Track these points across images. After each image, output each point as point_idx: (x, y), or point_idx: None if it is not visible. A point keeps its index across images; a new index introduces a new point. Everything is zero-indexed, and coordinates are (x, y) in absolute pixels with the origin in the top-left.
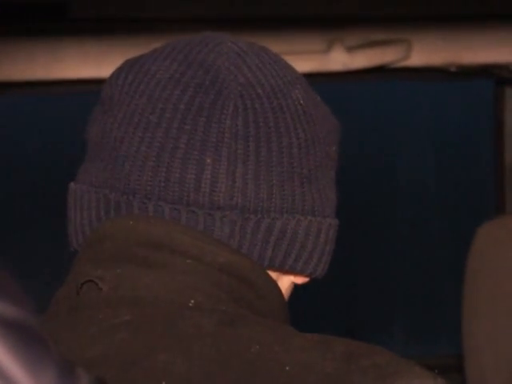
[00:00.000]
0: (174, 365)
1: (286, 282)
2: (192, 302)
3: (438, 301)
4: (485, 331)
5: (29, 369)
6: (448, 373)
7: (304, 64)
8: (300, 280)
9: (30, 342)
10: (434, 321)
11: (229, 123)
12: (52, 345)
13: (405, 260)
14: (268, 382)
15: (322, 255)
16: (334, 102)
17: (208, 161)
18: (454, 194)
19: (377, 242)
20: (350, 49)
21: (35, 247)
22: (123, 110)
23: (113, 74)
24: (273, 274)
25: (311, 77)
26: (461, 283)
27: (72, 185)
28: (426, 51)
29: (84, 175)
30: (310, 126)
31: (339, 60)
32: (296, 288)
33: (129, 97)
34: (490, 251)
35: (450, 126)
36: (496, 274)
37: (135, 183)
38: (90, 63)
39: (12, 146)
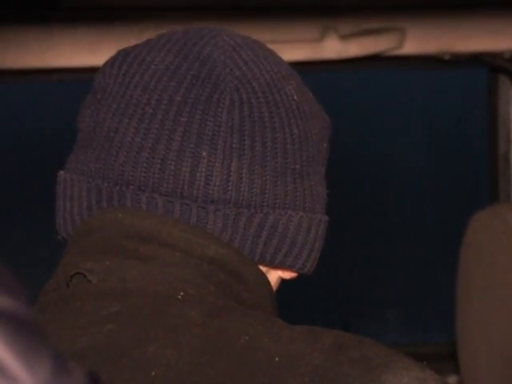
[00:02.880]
0: (164, 356)
1: (273, 277)
2: (181, 294)
3: (431, 289)
4: (478, 319)
5: (24, 360)
6: (441, 360)
7: (297, 52)
8: (288, 275)
9: (25, 333)
10: (427, 309)
11: (225, 117)
12: (48, 336)
13: (397, 248)
14: (257, 372)
15: (312, 251)
16: (328, 91)
17: (204, 154)
18: (447, 182)
19: (369, 231)
20: (344, 37)
21: (27, 239)
22: (117, 101)
23: (106, 64)
24: (262, 268)
25: (305, 65)
26: (454, 271)
27: (61, 173)
28: (420, 39)
29: (74, 164)
30: (304, 122)
31: (333, 48)
32: (288, 280)
33: (123, 87)
34: (484, 240)
35: (443, 114)
36: (489, 263)
37: (129, 174)
38: (83, 51)
39: (4, 133)
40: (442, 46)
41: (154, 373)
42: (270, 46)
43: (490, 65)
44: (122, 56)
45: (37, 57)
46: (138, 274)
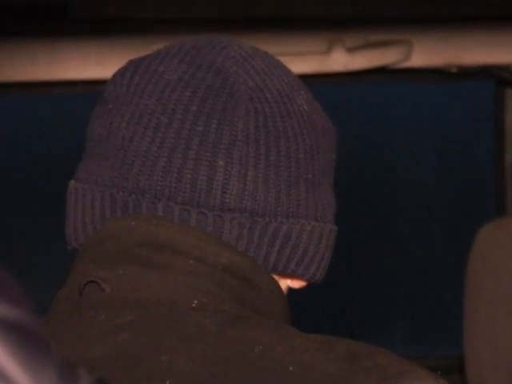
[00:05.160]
0: (177, 365)
1: (282, 286)
2: (195, 302)
3: (439, 302)
4: (485, 332)
5: (28, 370)
6: (448, 374)
7: (304, 65)
8: (297, 284)
9: (30, 343)
10: (434, 322)
11: (241, 126)
12: (54, 345)
13: (405, 261)
14: (271, 382)
15: (322, 260)
16: (335, 103)
17: (220, 163)
18: (454, 195)
19: (377, 243)
20: (351, 50)
21: (35, 248)
22: (131, 110)
23: (117, 74)
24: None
25: (312, 78)
26: (461, 284)
27: (72, 183)
28: (427, 52)
29: (85, 174)
30: (314, 131)
31: (340, 61)
32: (296, 289)
33: (137, 96)
34: (491, 253)
35: (450, 126)
36: (497, 276)
37: (145, 183)
38: (91, 64)
39: (13, 146)
40: (449, 59)
41: (167, 382)
42: (277, 59)
43: (497, 77)
44: (133, 66)
45: (45, 69)
46: (151, 282)
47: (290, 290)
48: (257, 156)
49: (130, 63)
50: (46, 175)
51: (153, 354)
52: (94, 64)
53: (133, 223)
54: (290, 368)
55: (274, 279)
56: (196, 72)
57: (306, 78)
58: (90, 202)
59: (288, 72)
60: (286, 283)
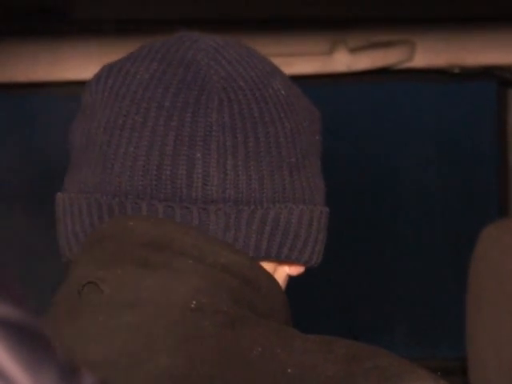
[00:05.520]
0: (176, 367)
1: (281, 274)
2: (194, 303)
3: (441, 303)
4: (488, 333)
5: (29, 370)
6: (450, 375)
7: (307, 65)
8: (295, 271)
9: (30, 343)
10: (436, 323)
11: (215, 116)
12: (56, 346)
13: (407, 262)
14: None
15: (316, 243)
16: (338, 103)
17: (198, 155)
18: (456, 195)
19: (378, 244)
20: (354, 50)
21: (35, 249)
22: (107, 114)
23: (91, 81)
24: (270, 266)
25: (314, 78)
26: (463, 285)
27: (59, 194)
28: (429, 53)
29: (71, 184)
30: (294, 115)
31: (342, 61)
32: (297, 290)
33: (111, 100)
34: (494, 253)
35: (452, 127)
36: (499, 277)
37: (126, 184)
38: (93, 65)
39: (14, 146)
40: (452, 60)
41: None
42: (280, 59)
43: (500, 78)
44: (106, 71)
45: (46, 70)
46: (150, 283)
47: (290, 279)
48: (234, 144)
49: (103, 68)
50: (47, 176)
51: (151, 356)
52: (95, 64)
53: (131, 223)
54: (289, 370)
55: (273, 277)
56: (167, 68)
57: (309, 79)
58: (78, 211)
59: (263, 59)
60: (284, 271)
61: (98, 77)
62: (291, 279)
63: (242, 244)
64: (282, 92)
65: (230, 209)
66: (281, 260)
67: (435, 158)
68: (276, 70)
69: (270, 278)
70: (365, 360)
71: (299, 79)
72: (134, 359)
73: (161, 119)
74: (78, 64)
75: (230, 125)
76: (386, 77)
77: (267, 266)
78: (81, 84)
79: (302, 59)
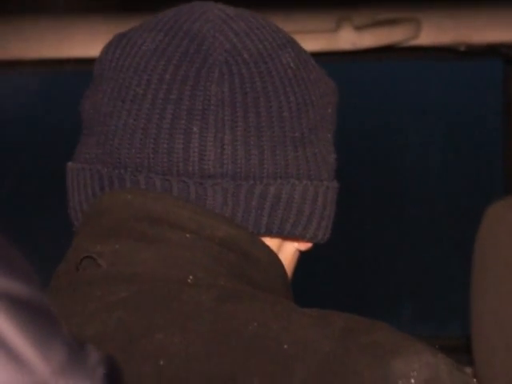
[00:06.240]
0: (172, 344)
1: (289, 250)
2: (191, 277)
3: (446, 281)
4: (493, 312)
5: (38, 346)
6: (455, 354)
7: (312, 43)
8: (304, 246)
9: (38, 319)
10: (441, 302)
11: (214, 90)
12: (63, 322)
13: (412, 240)
14: (265, 361)
15: (322, 219)
16: (343, 81)
17: (195, 129)
18: (462, 173)
19: (382, 223)
20: (359, 28)
21: (40, 226)
22: (111, 85)
23: (102, 50)
24: (275, 242)
25: (320, 56)
26: (468, 264)
27: (69, 164)
28: (435, 30)
29: (79, 153)
30: (302, 89)
31: (348, 39)
32: (300, 269)
33: (117, 71)
34: (498, 231)
35: (458, 105)
36: (504, 255)
37: (125, 157)
38: (100, 41)
39: (22, 123)
40: (458, 37)
41: (161, 362)
42: None
43: (506, 56)
44: (116, 40)
45: (53, 47)
46: (147, 257)
47: (300, 254)
48: (234, 119)
49: (114, 38)
50: (55, 153)
51: (147, 332)
52: (102, 41)
53: (129, 197)
54: (285, 346)
55: (272, 251)
56: (172, 40)
57: (314, 57)
58: (83, 181)
59: (275, 31)
60: (293, 246)
61: (108, 46)
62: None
63: (241, 219)
64: (292, 65)
65: (228, 184)
66: (284, 236)
67: (439, 137)
68: (289, 43)
69: (269, 252)
70: (362, 335)
71: None
72: (130, 335)
73: (160, 92)
74: (85, 41)
75: (230, 99)
76: (391, 54)
77: (271, 241)
78: (87, 61)
79: (307, 37)
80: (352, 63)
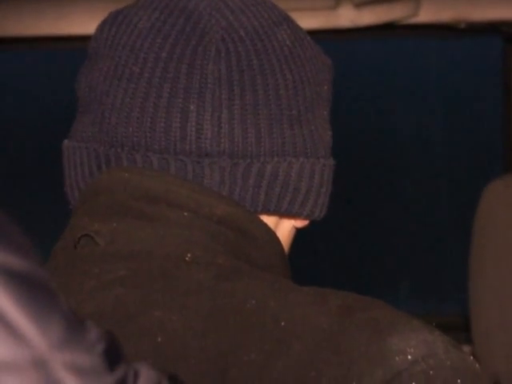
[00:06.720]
0: (170, 321)
1: (286, 227)
2: (189, 255)
3: (444, 259)
4: (491, 290)
5: (36, 321)
6: (453, 332)
7: (312, 21)
8: (300, 223)
9: (36, 293)
10: (439, 280)
11: (211, 68)
12: (62, 297)
13: (410, 218)
14: (263, 338)
15: (318, 197)
16: (342, 59)
17: (192, 107)
18: (461, 151)
19: (381, 200)
20: (358, 5)
21: (39, 202)
22: (107, 63)
23: (98, 28)
24: (272, 219)
25: (319, 33)
26: (467, 241)
27: (65, 142)
28: (435, 8)
29: (75, 132)
30: (298, 66)
31: (347, 17)
32: (298, 248)
33: (112, 49)
34: (498, 209)
35: (458, 82)
36: (503, 233)
37: (122, 135)
38: (97, 19)
39: (18, 101)
40: (458, 15)
41: (159, 339)
42: None
43: (506, 34)
44: (111, 18)
45: (51, 25)
46: (145, 235)
47: (297, 230)
48: (230, 97)
49: (109, 15)
50: (51, 131)
51: (145, 310)
52: (100, 19)
53: (126, 175)
54: (282, 323)
55: (270, 229)
56: (168, 18)
57: (313, 34)
58: (79, 159)
59: (271, 8)
60: (289, 224)
61: (102, 24)
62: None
63: (238, 197)
64: (287, 42)
65: (225, 162)
66: (281, 214)
67: (440, 113)
68: (285, 20)
69: (267, 230)
70: (359, 312)
71: None
72: (128, 312)
73: (157, 70)
74: (83, 19)
75: (227, 77)
76: (391, 32)
77: (268, 219)
78: (86, 39)
79: (306, 14)
80: (351, 41)
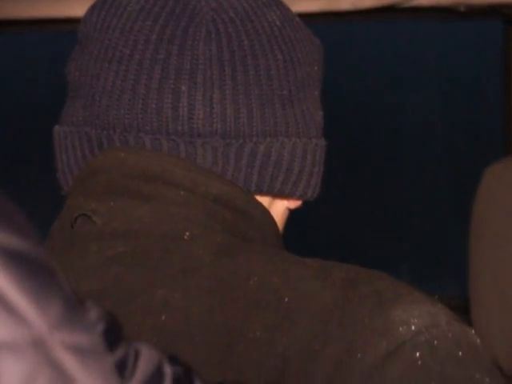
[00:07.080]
0: (173, 299)
1: (280, 208)
2: (187, 234)
3: (445, 242)
4: (491, 272)
5: (35, 301)
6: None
7: (312, 3)
8: (293, 204)
9: (36, 273)
10: (440, 262)
11: (202, 49)
12: (62, 277)
13: (411, 201)
14: (267, 315)
15: (311, 177)
16: (343, 42)
17: (183, 88)
18: (461, 133)
19: (382, 182)
20: None
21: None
22: (98, 47)
23: (87, 12)
24: (265, 200)
25: (320, 16)
26: (467, 224)
27: (56, 127)
28: None
29: (65, 117)
30: (288, 47)
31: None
32: (300, 227)
33: (103, 32)
34: (497, 192)
35: (458, 65)
36: (503, 216)
37: (114, 117)
38: None
39: (16, 83)
40: None
41: (163, 317)
42: None
43: (506, 16)
44: (100, 2)
45: (49, 6)
46: (142, 214)
47: (290, 212)
48: (222, 77)
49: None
50: (49, 113)
51: (147, 288)
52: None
53: (122, 155)
54: (286, 299)
55: (265, 208)
56: (157, 0)
57: (314, 17)
58: (71, 144)
59: None
60: (282, 204)
61: (92, 8)
62: (291, 213)
63: (231, 177)
64: (277, 23)
65: (217, 142)
66: (274, 194)
67: (440, 96)
68: (273, 1)
69: (263, 209)
70: (362, 285)
71: (304, 17)
72: (129, 291)
73: (148, 52)
74: (83, 1)
75: (218, 57)
76: (391, 15)
77: (262, 200)
78: None
79: None
80: (351, 23)
